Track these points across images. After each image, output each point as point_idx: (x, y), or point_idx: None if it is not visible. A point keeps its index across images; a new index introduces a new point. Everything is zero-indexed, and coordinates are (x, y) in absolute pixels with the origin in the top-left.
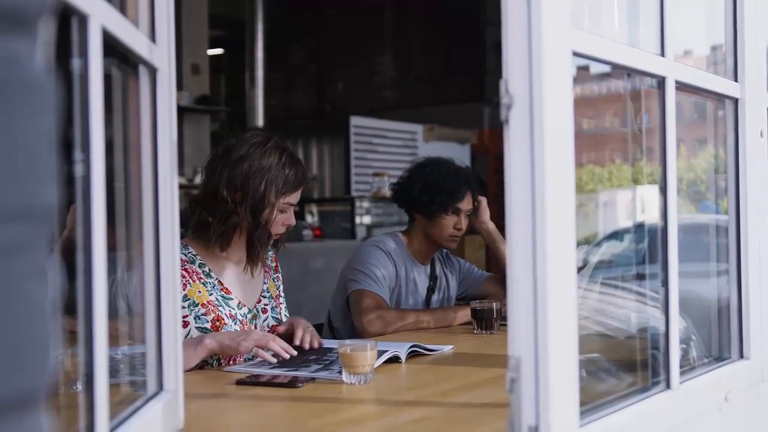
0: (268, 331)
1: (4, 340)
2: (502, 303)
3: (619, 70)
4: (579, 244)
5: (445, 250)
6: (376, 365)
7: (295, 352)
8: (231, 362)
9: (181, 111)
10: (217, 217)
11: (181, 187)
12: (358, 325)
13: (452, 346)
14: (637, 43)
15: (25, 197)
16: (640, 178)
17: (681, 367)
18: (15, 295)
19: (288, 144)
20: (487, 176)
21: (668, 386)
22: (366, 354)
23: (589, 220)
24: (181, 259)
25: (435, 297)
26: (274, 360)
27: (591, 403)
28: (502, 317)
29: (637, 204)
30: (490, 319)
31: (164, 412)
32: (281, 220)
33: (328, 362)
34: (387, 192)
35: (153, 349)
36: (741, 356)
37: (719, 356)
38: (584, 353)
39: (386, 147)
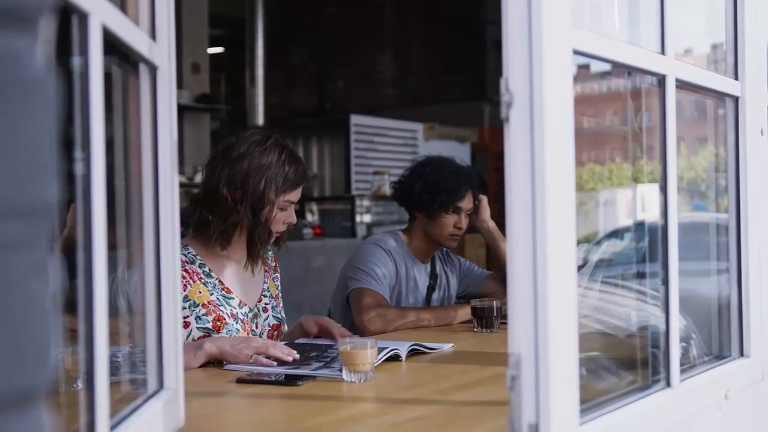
0: (269, 330)
1: (4, 337)
2: (503, 301)
3: (619, 69)
4: (579, 242)
5: (445, 249)
6: (376, 363)
7: (297, 355)
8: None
9: (182, 110)
10: (217, 215)
11: (181, 185)
12: (359, 324)
13: (452, 345)
14: (638, 42)
15: (26, 194)
16: (641, 177)
17: (681, 365)
18: (15, 292)
19: (288, 142)
20: (487, 175)
21: (668, 384)
22: (366, 352)
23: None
24: (181, 260)
25: (435, 295)
26: (275, 364)
27: (591, 401)
28: (503, 316)
29: (637, 202)
30: (490, 317)
31: (165, 410)
32: (282, 218)
33: (328, 360)
34: (387, 190)
35: (153, 347)
36: (741, 354)
37: (719, 354)
38: (584, 351)
39: (386, 146)
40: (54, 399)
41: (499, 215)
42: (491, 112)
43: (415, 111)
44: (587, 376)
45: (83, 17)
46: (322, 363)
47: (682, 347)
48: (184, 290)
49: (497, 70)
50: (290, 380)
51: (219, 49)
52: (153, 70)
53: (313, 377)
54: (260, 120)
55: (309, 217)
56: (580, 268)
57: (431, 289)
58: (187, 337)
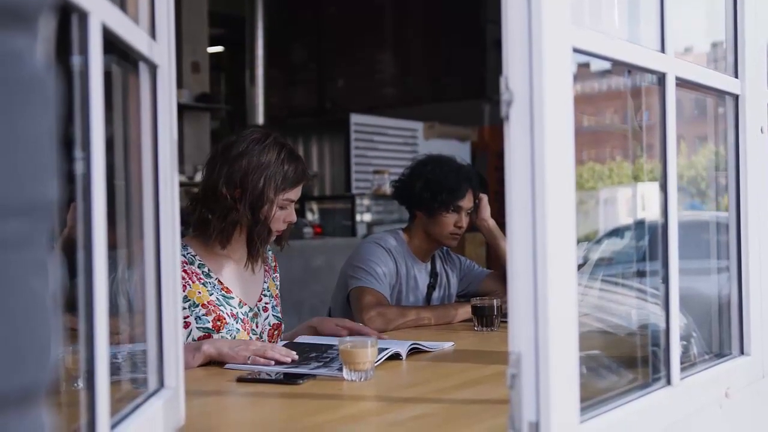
0: (270, 330)
1: (4, 336)
2: (503, 300)
3: (619, 67)
4: (579, 241)
5: (445, 248)
6: (376, 362)
7: (295, 356)
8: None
9: (182, 109)
10: (217, 214)
11: (181, 185)
12: (359, 322)
13: (453, 343)
14: (638, 41)
15: (26, 193)
16: (641, 175)
17: (681, 363)
18: (15, 290)
19: (288, 140)
20: (487, 174)
21: (669, 382)
22: (366, 351)
23: (590, 217)
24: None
25: (435, 294)
26: (272, 363)
27: (592, 399)
28: (503, 314)
29: (637, 201)
30: (490, 316)
31: (165, 409)
32: (282, 216)
33: (328, 359)
34: (387, 189)
35: (154, 346)
36: (741, 352)
37: (719, 352)
38: (585, 350)
39: (387, 144)
40: (55, 398)
41: (500, 214)
42: (491, 111)
43: (415, 110)
44: (587, 374)
45: (83, 16)
46: (321, 363)
47: (682, 345)
48: (183, 291)
49: (497, 69)
50: (290, 379)
51: (219, 49)
52: (153, 69)
53: (313, 376)
54: (260, 119)
55: (309, 216)
56: (580, 266)
57: (431, 287)
58: (187, 337)
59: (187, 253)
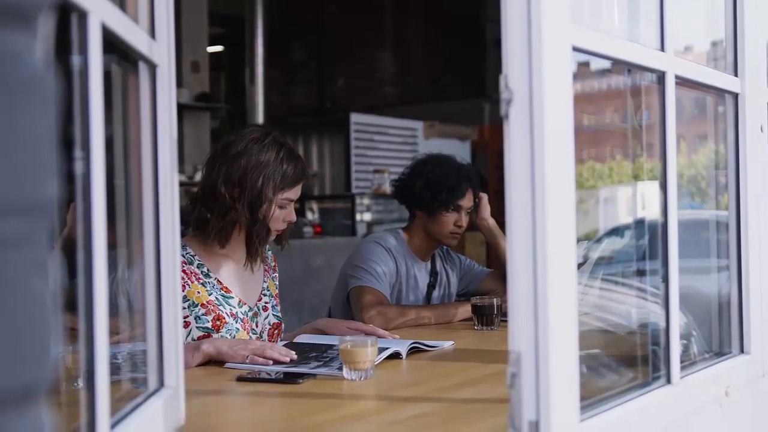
0: (270, 329)
1: (4, 334)
2: (503, 299)
3: (619, 66)
4: (579, 240)
5: (445, 247)
6: (376, 361)
7: (294, 356)
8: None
9: (181, 108)
10: (215, 213)
11: (181, 184)
12: (359, 322)
13: (453, 342)
14: (638, 40)
15: (25, 192)
16: (641, 174)
17: (681, 362)
18: (15, 289)
19: (288, 140)
20: (487, 173)
21: (669, 381)
22: (366, 350)
23: (590, 216)
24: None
25: (435, 293)
26: (270, 363)
27: (592, 398)
28: (503, 313)
29: (637, 200)
30: (490, 315)
31: (165, 409)
32: (281, 216)
33: (328, 359)
34: (387, 189)
35: (154, 346)
36: (741, 351)
37: (720, 351)
38: (585, 349)
39: (387, 144)
40: (55, 397)
41: (500, 213)
42: (491, 111)
43: (415, 109)
44: (587, 373)
45: (82, 15)
46: (322, 362)
47: (682, 344)
48: (183, 291)
49: (497, 69)
50: (290, 378)
51: (219, 48)
52: (152, 68)
53: (313, 375)
54: (260, 119)
55: (309, 216)
56: (580, 265)
57: (431, 287)
58: (187, 336)
59: (186, 253)
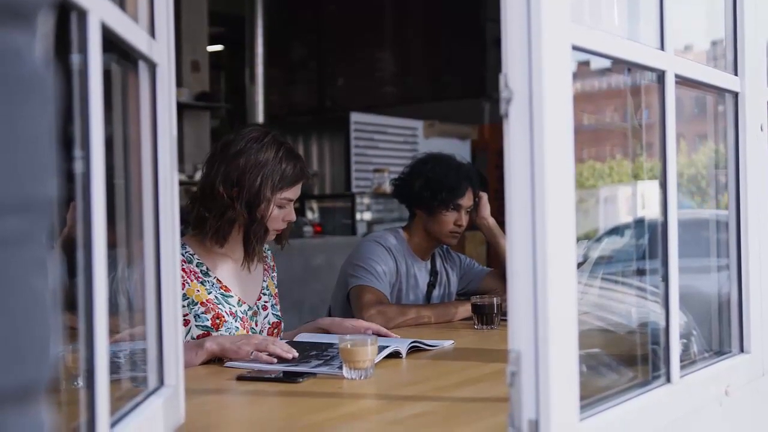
0: (269, 328)
1: (4, 333)
2: (503, 298)
3: (619, 66)
4: (579, 239)
5: (445, 246)
6: (376, 360)
7: (296, 353)
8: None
9: (181, 108)
10: (214, 212)
11: (181, 184)
12: None
13: (453, 342)
14: (638, 39)
15: (25, 191)
16: (641, 174)
17: (681, 361)
18: (15, 288)
19: (288, 139)
20: (487, 172)
21: (668, 380)
22: (366, 349)
23: (590, 216)
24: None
25: (436, 292)
26: (275, 360)
27: (591, 397)
28: (503, 312)
29: (637, 199)
30: (490, 314)
31: (165, 408)
32: (280, 215)
33: (328, 357)
34: (387, 188)
35: (154, 345)
36: (741, 350)
37: (719, 350)
38: (585, 348)
39: (387, 143)
40: (55, 397)
41: (500, 212)
42: (491, 110)
43: (415, 108)
44: (587, 372)
45: (82, 14)
46: (322, 361)
47: (682, 343)
48: (182, 289)
49: (497, 68)
50: (290, 377)
51: (219, 47)
52: (152, 67)
53: (313, 374)
54: (260, 118)
55: (309, 215)
56: (580, 265)
57: (431, 286)
58: (186, 335)
59: (186, 252)
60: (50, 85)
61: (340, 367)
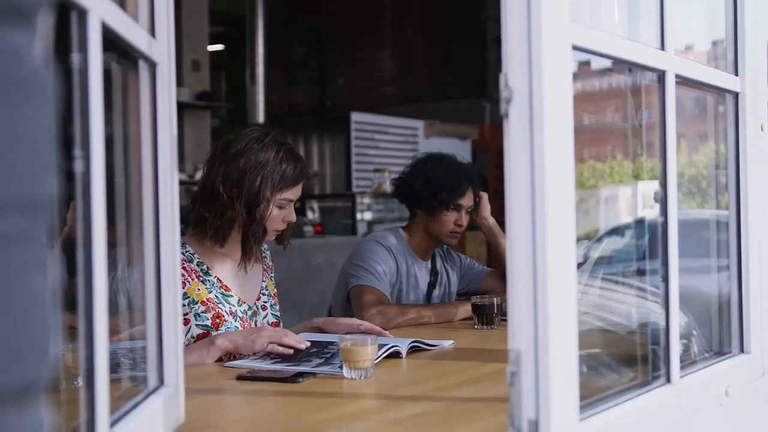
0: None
1: (3, 332)
2: (503, 298)
3: (619, 66)
4: (579, 239)
5: (446, 246)
6: (376, 360)
7: (308, 344)
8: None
9: (182, 107)
10: (213, 212)
11: (181, 183)
12: None
13: (453, 341)
14: (638, 40)
15: (25, 189)
16: (641, 174)
17: (681, 361)
18: (14, 287)
19: (288, 139)
20: (488, 172)
21: (668, 380)
22: (366, 349)
23: (590, 216)
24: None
25: (436, 292)
26: (290, 352)
27: (591, 397)
28: (503, 312)
29: (637, 199)
30: (490, 314)
31: (165, 407)
32: (280, 216)
33: (328, 357)
34: (388, 188)
35: (153, 344)
36: (741, 351)
37: (720, 351)
38: (585, 348)
39: (387, 143)
40: (54, 396)
41: (500, 212)
42: (492, 110)
43: (415, 108)
44: (587, 372)
45: (82, 13)
46: (323, 360)
47: (682, 344)
48: (183, 288)
49: (497, 67)
50: (290, 377)
51: (219, 47)
52: (152, 67)
53: (313, 374)
54: (261, 118)
55: (309, 215)
56: (580, 265)
57: (432, 286)
58: (186, 333)
59: (186, 251)
60: (50, 85)
61: (341, 367)
